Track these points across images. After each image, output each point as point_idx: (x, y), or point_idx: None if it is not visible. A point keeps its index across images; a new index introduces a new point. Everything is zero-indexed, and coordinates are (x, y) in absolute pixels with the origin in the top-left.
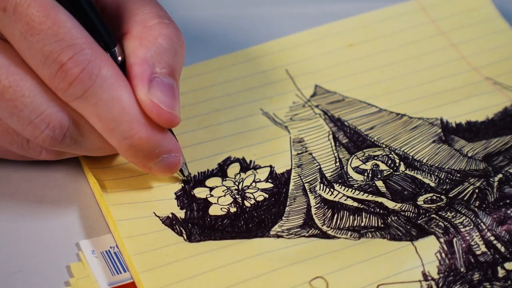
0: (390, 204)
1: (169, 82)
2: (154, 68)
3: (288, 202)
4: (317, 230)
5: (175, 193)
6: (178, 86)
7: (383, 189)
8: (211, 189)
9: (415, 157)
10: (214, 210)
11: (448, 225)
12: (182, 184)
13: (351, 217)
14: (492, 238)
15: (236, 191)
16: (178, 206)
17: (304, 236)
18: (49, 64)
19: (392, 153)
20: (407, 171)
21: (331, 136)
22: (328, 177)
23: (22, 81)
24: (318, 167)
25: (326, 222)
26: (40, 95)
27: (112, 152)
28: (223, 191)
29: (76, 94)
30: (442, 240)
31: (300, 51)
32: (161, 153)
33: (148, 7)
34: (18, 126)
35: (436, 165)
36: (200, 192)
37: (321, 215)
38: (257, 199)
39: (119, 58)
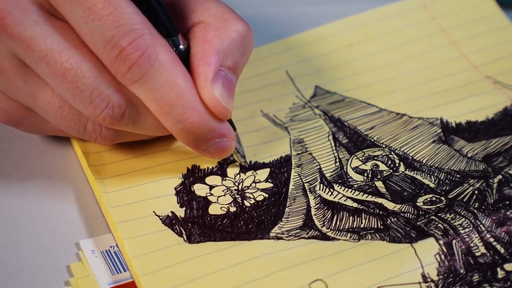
0: (389, 205)
1: (231, 78)
2: (223, 61)
3: (288, 203)
4: (316, 232)
5: (175, 188)
6: (236, 83)
7: (383, 190)
8: (211, 187)
9: (415, 157)
10: (214, 209)
11: (448, 227)
12: (182, 179)
13: (351, 218)
14: (491, 239)
15: (236, 191)
16: (178, 203)
17: (303, 237)
18: (109, 48)
19: (392, 153)
20: (406, 172)
21: (331, 137)
22: (328, 177)
23: (82, 63)
24: (318, 167)
25: (325, 223)
26: (100, 76)
27: (168, 133)
28: (223, 191)
29: (134, 78)
30: (441, 242)
31: (300, 52)
32: (213, 138)
33: (220, 3)
34: (79, 105)
35: (436, 165)
36: (200, 189)
37: (321, 216)
38: (257, 199)
39: (181, 46)
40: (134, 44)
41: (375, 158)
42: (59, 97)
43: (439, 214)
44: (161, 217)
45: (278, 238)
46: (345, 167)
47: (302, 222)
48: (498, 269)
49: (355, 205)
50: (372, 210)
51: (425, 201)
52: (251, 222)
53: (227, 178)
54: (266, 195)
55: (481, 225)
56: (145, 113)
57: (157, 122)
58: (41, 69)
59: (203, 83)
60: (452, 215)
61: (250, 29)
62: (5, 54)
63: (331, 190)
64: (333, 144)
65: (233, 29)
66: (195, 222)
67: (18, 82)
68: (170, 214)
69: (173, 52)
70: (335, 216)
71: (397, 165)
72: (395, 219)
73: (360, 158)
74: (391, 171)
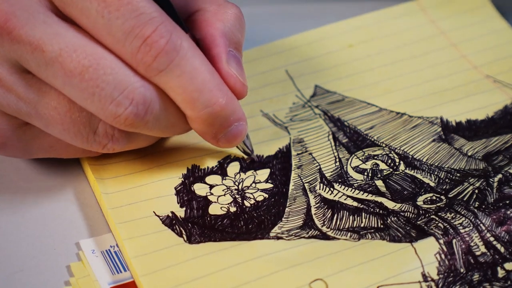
0: (389, 204)
1: (239, 56)
2: (229, 42)
3: (288, 203)
4: (316, 231)
5: (175, 188)
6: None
7: (383, 189)
8: (211, 187)
9: (415, 156)
10: (214, 209)
11: (448, 226)
12: (182, 179)
13: (351, 217)
14: (491, 238)
15: (236, 191)
16: (178, 203)
17: (303, 237)
18: (131, 39)
19: (392, 152)
20: (407, 171)
21: (331, 136)
22: (328, 177)
23: (102, 59)
24: (318, 167)
25: (326, 222)
26: (121, 71)
27: (181, 131)
28: (223, 190)
29: (161, 67)
30: (441, 241)
31: (300, 52)
32: (234, 121)
33: None
34: (98, 106)
35: (436, 164)
36: (200, 189)
37: (321, 215)
38: (257, 199)
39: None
40: (158, 32)
41: (375, 157)
42: (66, 101)
43: (439, 213)
44: (161, 217)
45: (278, 238)
46: (345, 166)
47: (302, 222)
48: (498, 268)
49: (355, 204)
50: (372, 209)
51: (425, 200)
52: (251, 222)
53: (227, 177)
54: (266, 196)
55: (481, 224)
56: (165, 108)
57: (175, 118)
58: (52, 71)
59: (220, 64)
60: (452, 214)
61: (241, 11)
62: (1, 62)
63: (331, 189)
64: (333, 143)
65: (229, 12)
66: (195, 222)
67: (17, 90)
68: (170, 214)
69: (190, 38)
70: (335, 215)
71: (397, 164)
72: (395, 218)
73: (360, 158)
74: (391, 170)
